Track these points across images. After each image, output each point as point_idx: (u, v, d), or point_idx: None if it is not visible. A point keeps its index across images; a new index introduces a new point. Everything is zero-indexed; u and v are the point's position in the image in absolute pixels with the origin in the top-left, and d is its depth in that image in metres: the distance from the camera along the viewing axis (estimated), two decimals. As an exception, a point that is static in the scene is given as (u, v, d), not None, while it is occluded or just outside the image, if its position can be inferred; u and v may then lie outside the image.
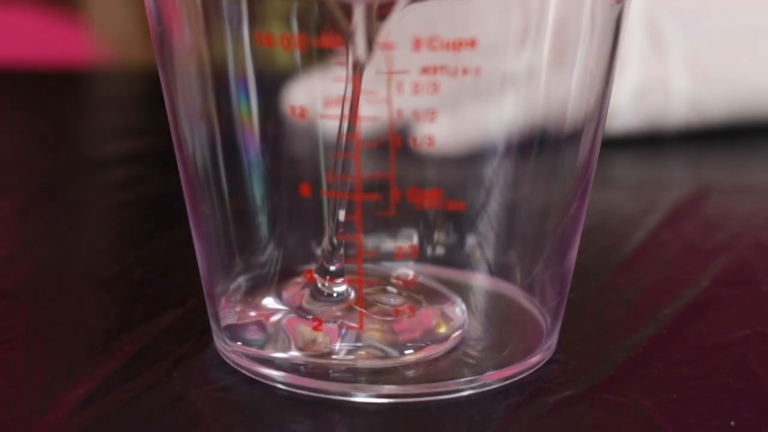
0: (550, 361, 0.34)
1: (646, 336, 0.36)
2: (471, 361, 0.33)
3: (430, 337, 0.32)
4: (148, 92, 0.67)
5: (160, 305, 0.37)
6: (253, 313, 0.33)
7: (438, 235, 0.34)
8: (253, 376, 0.33)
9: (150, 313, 0.37)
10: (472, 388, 0.32)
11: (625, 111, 0.54)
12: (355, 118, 0.31)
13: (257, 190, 0.35)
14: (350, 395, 0.32)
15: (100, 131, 0.61)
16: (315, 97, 0.32)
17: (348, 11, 0.31)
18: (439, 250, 0.34)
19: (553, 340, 0.34)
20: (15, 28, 0.93)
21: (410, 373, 0.32)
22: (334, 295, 0.32)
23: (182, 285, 0.39)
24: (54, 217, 0.47)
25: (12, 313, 0.37)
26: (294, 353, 0.32)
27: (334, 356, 0.32)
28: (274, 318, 0.33)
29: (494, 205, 0.35)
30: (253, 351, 0.33)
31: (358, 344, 0.32)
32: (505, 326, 0.34)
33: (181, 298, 0.38)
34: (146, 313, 0.37)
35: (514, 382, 0.33)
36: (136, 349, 0.35)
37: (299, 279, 0.33)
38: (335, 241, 0.32)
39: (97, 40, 0.96)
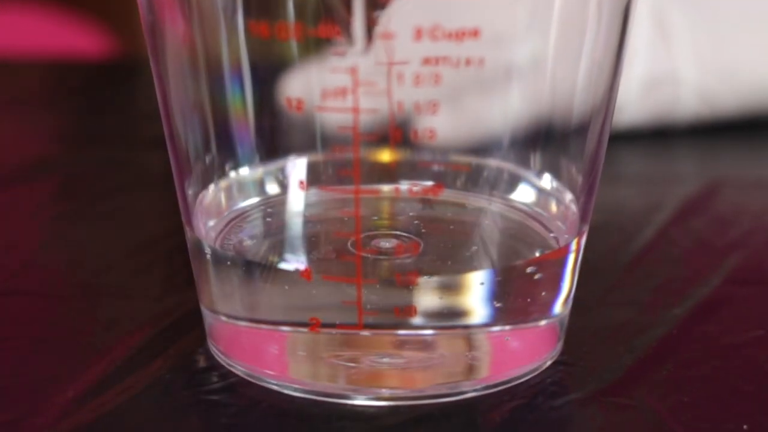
0: (556, 363, 0.34)
1: (655, 337, 0.36)
2: (474, 362, 0.33)
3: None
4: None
5: (153, 303, 0.38)
6: (245, 318, 0.33)
7: (440, 232, 0.34)
8: (248, 378, 0.33)
9: (142, 312, 0.37)
10: (475, 390, 0.32)
11: (633, 104, 0.54)
12: None
13: (252, 184, 0.35)
14: (349, 398, 0.32)
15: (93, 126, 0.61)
16: (312, 88, 0.32)
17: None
18: (442, 247, 0.34)
19: (559, 341, 0.34)
20: (41, 24, 0.94)
21: (411, 374, 0.32)
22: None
23: (177, 281, 0.39)
24: (41, 209, 0.47)
25: (-2, 313, 0.37)
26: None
27: (331, 358, 0.32)
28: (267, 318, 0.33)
29: (498, 201, 0.35)
30: (247, 352, 0.33)
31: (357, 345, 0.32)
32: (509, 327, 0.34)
33: (176, 295, 0.38)
34: (138, 312, 0.37)
35: (519, 384, 0.33)
36: (128, 349, 0.35)
37: (294, 273, 0.33)
38: None
39: (128, 34, 0.97)
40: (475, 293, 0.32)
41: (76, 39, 0.95)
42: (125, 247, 0.42)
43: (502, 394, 0.33)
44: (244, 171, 0.35)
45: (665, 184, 0.51)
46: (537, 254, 0.34)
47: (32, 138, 0.57)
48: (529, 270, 0.33)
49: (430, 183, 0.35)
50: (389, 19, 0.31)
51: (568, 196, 0.34)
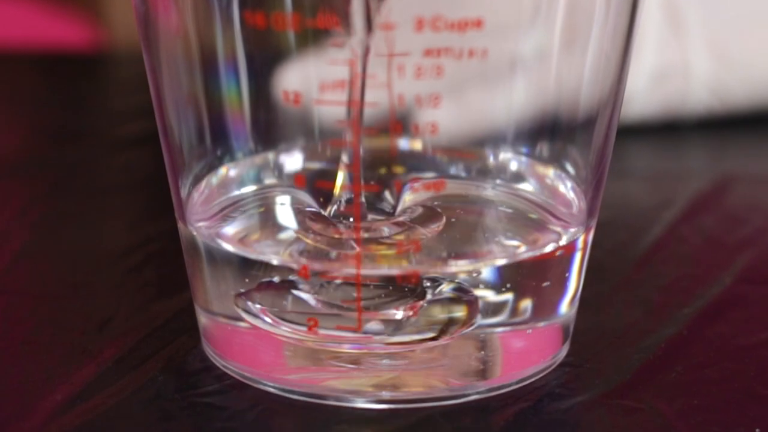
0: (562, 365, 0.34)
1: (664, 337, 0.36)
2: (478, 364, 0.33)
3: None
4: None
5: (146, 302, 0.38)
6: (241, 319, 0.33)
7: (442, 229, 0.34)
8: (244, 380, 0.33)
9: (135, 311, 0.37)
10: (478, 393, 0.32)
11: (642, 96, 0.54)
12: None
13: (247, 180, 0.35)
14: (348, 400, 0.32)
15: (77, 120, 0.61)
16: (310, 81, 0.32)
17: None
18: (444, 245, 0.34)
19: (565, 342, 0.34)
20: (21, 16, 0.94)
21: (412, 376, 0.32)
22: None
23: (171, 280, 0.39)
24: (30, 206, 0.47)
25: (-15, 313, 0.37)
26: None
27: (330, 359, 0.32)
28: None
29: (502, 197, 0.35)
30: (243, 355, 0.33)
31: (357, 346, 0.32)
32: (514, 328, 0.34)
33: (169, 295, 0.38)
34: (131, 311, 0.37)
35: (523, 386, 0.33)
36: (119, 350, 0.35)
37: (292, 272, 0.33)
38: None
39: (110, 25, 0.96)
40: (479, 293, 0.32)
41: (56, 30, 0.95)
42: (117, 246, 0.42)
43: (507, 397, 0.33)
44: (240, 166, 0.35)
45: (675, 180, 0.51)
46: (543, 252, 0.34)
47: (17, 133, 0.57)
48: (534, 268, 0.33)
49: (431, 178, 0.35)
50: (389, 9, 0.31)
51: (575, 192, 0.34)
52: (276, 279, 0.33)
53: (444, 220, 0.34)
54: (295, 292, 0.32)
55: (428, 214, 0.34)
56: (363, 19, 0.31)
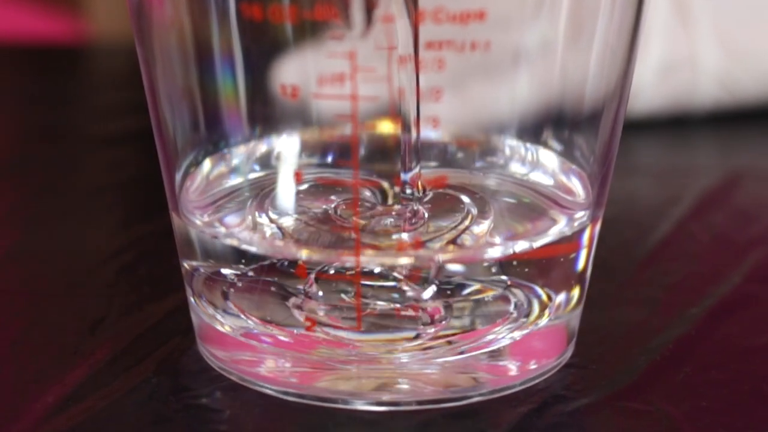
0: (566, 366, 0.34)
1: (672, 338, 0.36)
2: (480, 365, 0.33)
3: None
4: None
5: (139, 302, 0.38)
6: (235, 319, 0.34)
7: (444, 227, 0.34)
8: (240, 382, 0.33)
9: (128, 311, 0.37)
10: (480, 395, 0.33)
11: (649, 90, 0.54)
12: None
13: (244, 175, 0.35)
14: (347, 402, 0.32)
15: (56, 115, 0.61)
16: (308, 74, 0.32)
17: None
18: (446, 240, 0.34)
19: (570, 343, 0.35)
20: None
21: (413, 378, 0.32)
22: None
23: (165, 280, 0.39)
24: (22, 203, 0.47)
25: (-26, 313, 0.37)
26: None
27: (328, 360, 0.32)
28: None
29: (506, 194, 0.35)
30: (240, 357, 0.33)
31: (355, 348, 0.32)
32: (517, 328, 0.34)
33: (163, 294, 0.38)
34: (124, 311, 0.37)
35: (527, 388, 0.33)
36: (112, 350, 0.35)
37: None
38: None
39: (94, 17, 0.96)
40: (481, 292, 0.32)
41: (35, 22, 0.95)
42: (108, 245, 0.42)
43: (510, 399, 0.33)
44: (236, 160, 0.35)
45: (683, 176, 0.51)
46: (548, 246, 0.34)
47: (4, 130, 0.57)
48: (539, 265, 0.33)
49: (432, 173, 0.35)
50: (389, 1, 0.31)
51: (581, 188, 0.34)
52: (271, 275, 0.33)
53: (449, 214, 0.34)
54: (291, 289, 0.32)
55: (431, 207, 0.34)
56: (363, 12, 0.31)
